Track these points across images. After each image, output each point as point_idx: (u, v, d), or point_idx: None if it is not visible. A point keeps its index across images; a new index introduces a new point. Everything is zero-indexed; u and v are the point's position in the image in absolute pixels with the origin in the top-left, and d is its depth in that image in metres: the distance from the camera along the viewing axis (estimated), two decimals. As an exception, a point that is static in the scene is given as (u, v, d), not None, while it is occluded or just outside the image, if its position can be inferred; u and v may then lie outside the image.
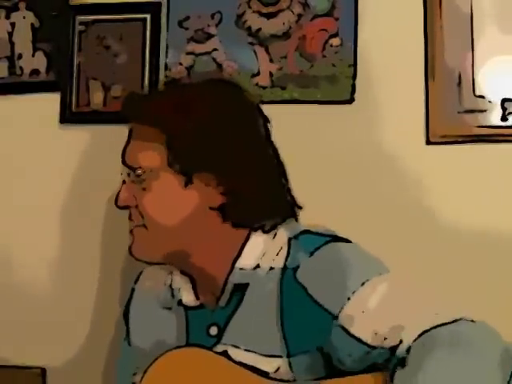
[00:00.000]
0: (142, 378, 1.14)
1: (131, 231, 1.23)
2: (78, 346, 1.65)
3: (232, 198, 1.18)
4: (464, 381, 0.96)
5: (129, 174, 1.21)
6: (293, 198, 1.25)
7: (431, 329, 1.03)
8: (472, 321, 1.05)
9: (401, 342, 1.04)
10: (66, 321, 1.65)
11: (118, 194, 1.22)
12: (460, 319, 1.04)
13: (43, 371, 1.64)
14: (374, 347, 1.07)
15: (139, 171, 1.19)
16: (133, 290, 1.37)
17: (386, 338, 1.06)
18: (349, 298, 1.10)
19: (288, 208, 1.25)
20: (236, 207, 1.19)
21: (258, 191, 1.19)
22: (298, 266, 1.16)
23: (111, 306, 1.61)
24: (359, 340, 1.08)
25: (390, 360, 1.05)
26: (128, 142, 1.24)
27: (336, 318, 1.10)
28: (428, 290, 1.13)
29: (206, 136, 1.17)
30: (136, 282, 1.37)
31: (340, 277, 1.12)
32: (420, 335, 1.03)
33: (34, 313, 1.67)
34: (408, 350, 1.02)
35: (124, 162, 1.23)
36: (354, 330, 1.09)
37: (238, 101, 1.24)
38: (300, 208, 1.26)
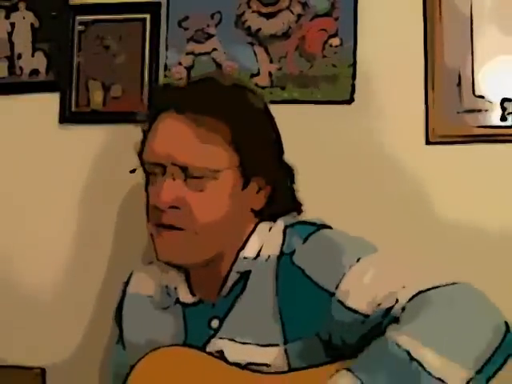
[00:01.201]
0: (129, 373, 1.14)
1: (160, 231, 1.16)
2: (78, 347, 1.65)
3: (272, 200, 1.21)
4: (454, 337, 0.98)
5: (157, 171, 1.15)
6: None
7: (427, 290, 1.04)
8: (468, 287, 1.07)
9: (396, 301, 1.05)
10: (65, 321, 1.65)
11: (161, 192, 1.13)
12: (456, 283, 1.06)
13: (43, 371, 1.64)
14: (368, 316, 1.08)
15: (197, 172, 1.13)
16: (124, 292, 1.36)
17: (380, 304, 1.07)
18: (344, 274, 1.11)
19: (298, 204, 1.29)
20: (273, 207, 1.22)
21: (288, 191, 1.24)
22: (293, 251, 1.18)
23: (111, 307, 1.60)
24: (355, 311, 1.09)
25: (384, 321, 1.06)
26: (159, 137, 1.16)
27: (333, 294, 1.11)
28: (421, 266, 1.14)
29: (265, 135, 1.19)
30: (127, 284, 1.36)
31: (335, 256, 1.14)
32: (415, 296, 1.04)
33: (33, 313, 1.67)
34: (403, 309, 1.03)
35: (155, 158, 1.15)
36: (350, 303, 1.10)
37: (265, 105, 1.25)
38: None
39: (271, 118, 1.25)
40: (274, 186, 1.20)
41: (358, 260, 1.13)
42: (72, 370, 1.64)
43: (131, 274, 1.37)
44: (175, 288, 1.25)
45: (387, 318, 1.05)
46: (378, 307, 1.07)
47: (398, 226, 1.53)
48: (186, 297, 1.25)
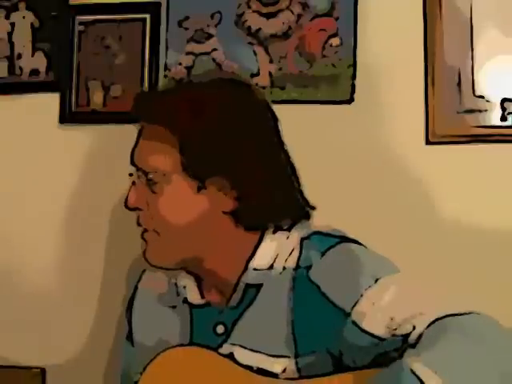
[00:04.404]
0: (142, 373, 1.14)
1: (142, 236, 1.21)
2: (78, 346, 1.65)
3: (245, 203, 1.17)
4: (469, 368, 0.95)
5: (139, 176, 1.19)
6: (305, 199, 1.25)
7: (444, 317, 1.02)
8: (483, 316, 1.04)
9: (414, 328, 1.04)
10: (66, 321, 1.66)
11: (128, 195, 1.20)
12: (472, 312, 1.04)
13: (43, 371, 1.64)
14: (384, 339, 1.07)
15: (151, 175, 1.17)
16: (136, 288, 1.37)
17: (396, 329, 1.06)
18: (362, 295, 1.10)
19: (300, 209, 1.24)
20: (249, 212, 1.18)
21: (270, 194, 1.19)
22: (310, 266, 1.16)
23: (111, 306, 1.61)
24: (371, 334, 1.08)
25: (400, 348, 1.04)
26: (137, 142, 1.21)
27: (349, 314, 1.10)
28: (438, 289, 1.13)
29: (219, 139, 1.16)
30: (139, 281, 1.37)
31: (353, 275, 1.12)
32: (432, 322, 1.02)
33: (34, 312, 1.67)
34: (420, 336, 1.02)
35: (133, 163, 1.21)
36: (365, 325, 1.08)
37: (250, 101, 1.22)
38: (313, 209, 1.26)
39: (256, 116, 1.21)
40: (244, 188, 1.17)
41: (376, 281, 1.11)
42: (72, 370, 1.64)
43: (143, 272, 1.37)
44: (184, 287, 1.25)
45: (404, 345, 1.04)
46: (394, 332, 1.06)
47: (397, 226, 1.53)
48: (194, 298, 1.24)
